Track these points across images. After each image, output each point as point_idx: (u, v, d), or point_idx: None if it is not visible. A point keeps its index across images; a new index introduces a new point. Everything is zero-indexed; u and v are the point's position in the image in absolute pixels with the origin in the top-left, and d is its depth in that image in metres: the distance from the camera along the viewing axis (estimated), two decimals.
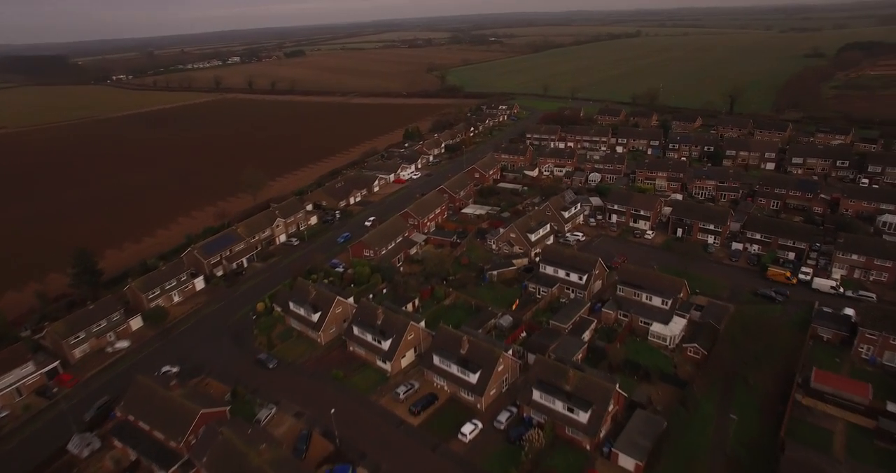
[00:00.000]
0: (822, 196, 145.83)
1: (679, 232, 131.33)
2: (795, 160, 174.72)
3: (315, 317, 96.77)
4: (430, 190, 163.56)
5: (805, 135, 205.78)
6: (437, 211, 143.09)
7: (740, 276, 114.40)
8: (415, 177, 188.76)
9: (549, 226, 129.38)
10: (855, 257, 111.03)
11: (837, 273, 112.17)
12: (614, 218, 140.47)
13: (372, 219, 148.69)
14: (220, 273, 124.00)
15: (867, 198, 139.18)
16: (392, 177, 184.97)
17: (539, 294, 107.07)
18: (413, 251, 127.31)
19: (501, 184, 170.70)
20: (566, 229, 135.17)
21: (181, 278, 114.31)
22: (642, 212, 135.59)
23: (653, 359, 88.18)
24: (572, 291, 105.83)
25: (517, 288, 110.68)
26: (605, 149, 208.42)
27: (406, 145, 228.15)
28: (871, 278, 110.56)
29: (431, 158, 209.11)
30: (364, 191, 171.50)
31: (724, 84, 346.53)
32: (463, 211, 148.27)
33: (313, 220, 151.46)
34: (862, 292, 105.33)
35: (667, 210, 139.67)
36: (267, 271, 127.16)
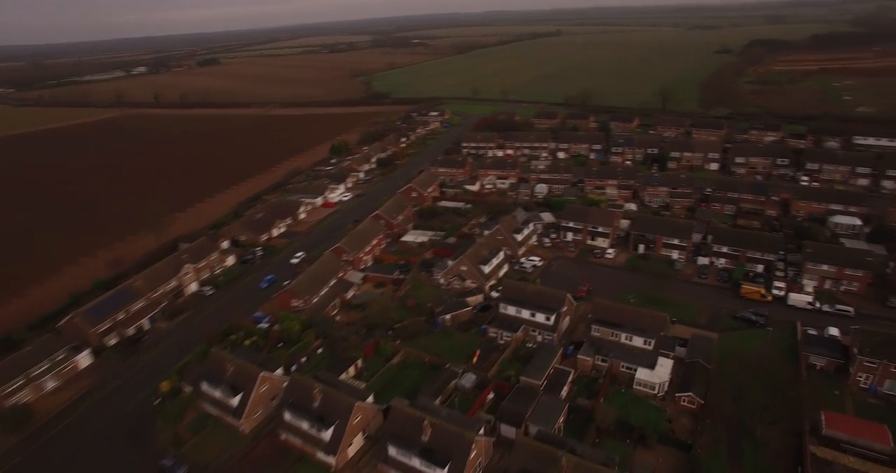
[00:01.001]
0: (774, 198, 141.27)
1: (641, 248, 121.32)
2: (739, 160, 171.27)
3: (235, 400, 77.35)
4: (363, 214, 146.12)
5: (739, 132, 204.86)
6: (374, 242, 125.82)
7: (713, 296, 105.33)
8: (345, 198, 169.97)
9: (502, 252, 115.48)
10: (825, 267, 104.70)
11: (809, 284, 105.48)
12: (570, 236, 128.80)
13: (300, 255, 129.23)
14: (113, 341, 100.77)
15: (817, 199, 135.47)
16: (320, 200, 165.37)
17: (501, 339, 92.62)
18: (350, 294, 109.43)
19: (442, 203, 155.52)
20: (520, 253, 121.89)
21: (57, 357, 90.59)
22: (600, 229, 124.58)
23: (644, 414, 75.78)
24: (539, 333, 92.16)
25: (475, 333, 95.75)
26: (546, 155, 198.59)
27: (333, 162, 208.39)
28: (843, 288, 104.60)
29: (362, 176, 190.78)
30: (289, 220, 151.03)
31: (651, 82, 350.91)
32: (403, 239, 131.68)
33: (230, 261, 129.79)
34: (839, 306, 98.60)
35: (624, 223, 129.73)
36: (175, 333, 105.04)
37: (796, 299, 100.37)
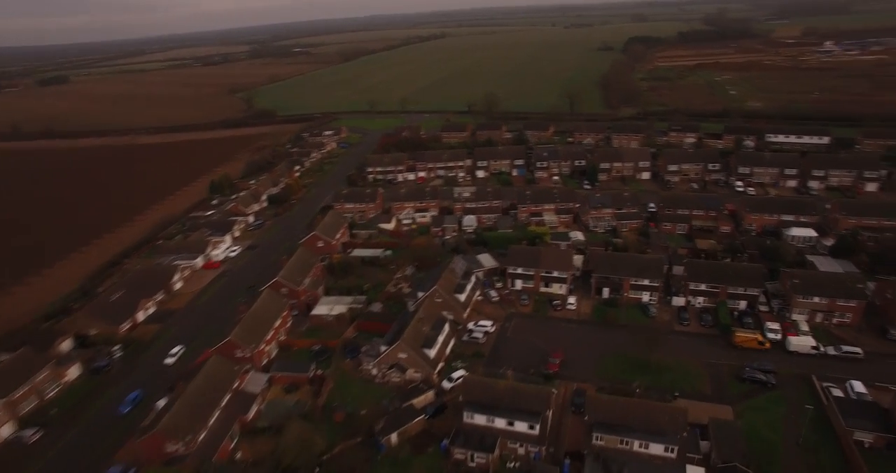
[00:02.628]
0: (725, 212, 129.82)
1: (605, 292, 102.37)
2: (671, 167, 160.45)
3: None
4: (258, 276, 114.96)
5: (659, 134, 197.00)
6: (277, 323, 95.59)
7: (703, 348, 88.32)
8: (233, 254, 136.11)
9: (447, 325, 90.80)
10: (816, 300, 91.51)
11: (801, 321, 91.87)
12: (519, 284, 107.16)
13: (177, 349, 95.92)
14: None
15: (769, 210, 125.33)
16: (200, 260, 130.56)
17: (472, 460, 67.96)
18: (252, 412, 79.03)
19: (356, 253, 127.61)
20: (464, 315, 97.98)
21: None
22: (556, 274, 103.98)
23: None
24: (520, 445, 68.63)
25: (434, 453, 70.30)
26: (463, 175, 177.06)
27: (214, 203, 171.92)
28: (835, 321, 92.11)
29: (252, 219, 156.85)
30: (160, 295, 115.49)
31: (550, 82, 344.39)
32: (315, 312, 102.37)
33: (73, 372, 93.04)
34: (846, 348, 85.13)
35: (577, 259, 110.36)
36: None
37: (798, 344, 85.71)
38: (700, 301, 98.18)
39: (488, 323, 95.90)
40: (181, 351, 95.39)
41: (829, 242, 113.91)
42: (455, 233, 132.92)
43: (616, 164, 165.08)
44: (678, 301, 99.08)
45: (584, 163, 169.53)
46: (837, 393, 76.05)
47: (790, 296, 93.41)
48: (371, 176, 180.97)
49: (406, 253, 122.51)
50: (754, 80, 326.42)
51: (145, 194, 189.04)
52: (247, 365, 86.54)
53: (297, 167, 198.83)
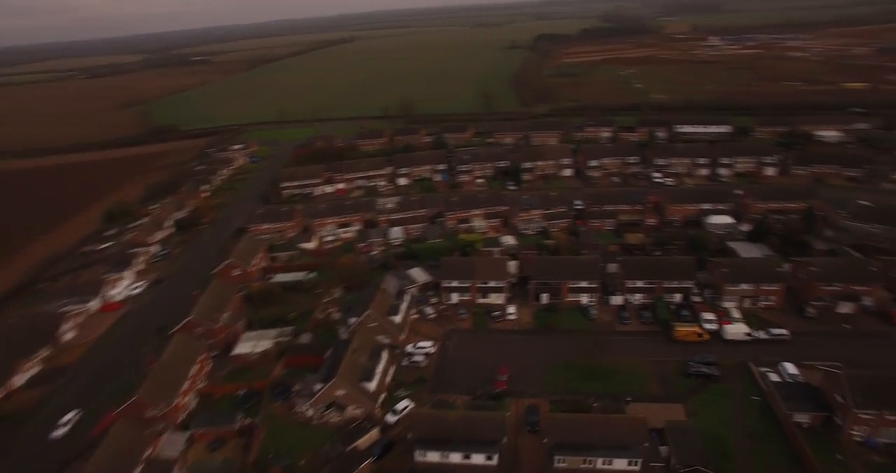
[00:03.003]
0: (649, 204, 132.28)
1: (544, 297, 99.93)
2: (592, 163, 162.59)
3: None
4: (166, 315, 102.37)
5: (575, 130, 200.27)
6: (194, 370, 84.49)
7: (646, 346, 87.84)
8: (136, 291, 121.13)
9: (384, 353, 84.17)
10: (744, 286, 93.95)
11: (733, 309, 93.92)
12: (455, 297, 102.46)
13: (71, 416, 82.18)
14: None
15: (689, 200, 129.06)
16: (96, 303, 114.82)
17: None
18: None
19: (277, 278, 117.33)
20: (402, 338, 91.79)
21: None
22: (493, 284, 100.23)
23: None
24: None
25: None
26: (384, 184, 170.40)
27: (110, 234, 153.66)
28: (761, 304, 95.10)
29: (156, 249, 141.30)
30: (45, 350, 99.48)
31: (463, 82, 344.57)
32: (236, 351, 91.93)
33: None
34: (773, 330, 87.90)
35: (511, 265, 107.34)
36: None
37: (733, 332, 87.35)
38: (638, 298, 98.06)
39: (428, 343, 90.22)
40: (75, 419, 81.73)
41: (746, 228, 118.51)
42: (382, 248, 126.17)
43: (538, 163, 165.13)
44: (616, 300, 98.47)
45: (506, 163, 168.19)
46: (774, 377, 77.76)
47: (720, 285, 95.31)
48: (286, 191, 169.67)
49: (332, 273, 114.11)
50: (655, 74, 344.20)
51: (22, 229, 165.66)
52: (160, 424, 75.13)
53: (205, 186, 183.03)
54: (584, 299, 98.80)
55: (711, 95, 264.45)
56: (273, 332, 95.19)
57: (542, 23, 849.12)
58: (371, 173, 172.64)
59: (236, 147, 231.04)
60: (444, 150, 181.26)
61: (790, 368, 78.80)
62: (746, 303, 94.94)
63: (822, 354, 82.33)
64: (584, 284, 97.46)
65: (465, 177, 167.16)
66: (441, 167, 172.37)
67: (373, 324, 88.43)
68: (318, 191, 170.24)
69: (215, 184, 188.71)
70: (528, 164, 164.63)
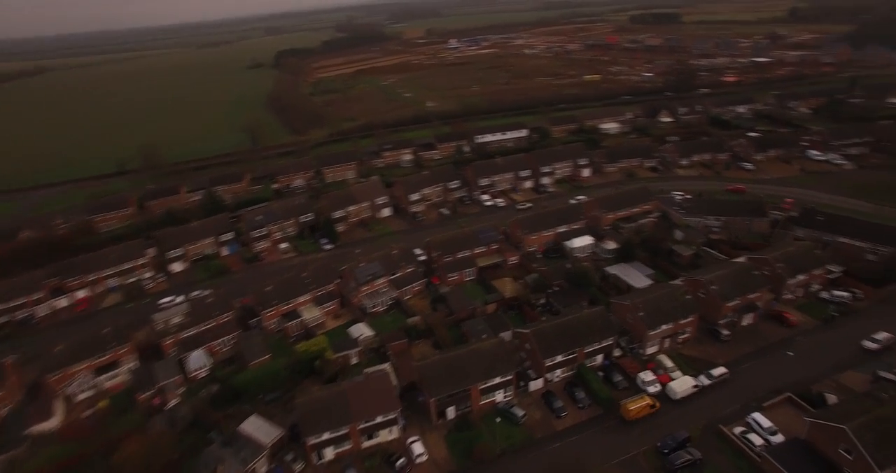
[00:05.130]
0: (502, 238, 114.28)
1: (450, 412, 72.80)
2: (412, 196, 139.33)
3: None
4: None
5: (371, 157, 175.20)
6: None
7: (599, 441, 68.46)
8: None
9: None
10: (664, 327, 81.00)
11: (664, 358, 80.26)
12: (330, 452, 68.68)
13: None
14: None
15: (543, 226, 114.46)
16: None
17: None
18: None
19: None
20: None
21: None
22: (380, 419, 69.00)
23: None
24: None
25: None
26: (150, 276, 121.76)
27: None
28: (679, 339, 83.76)
29: None
30: None
31: (214, 115, 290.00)
32: None
33: None
34: (713, 372, 76.32)
35: (384, 371, 77.34)
36: None
37: (681, 388, 73.12)
38: (558, 374, 77.86)
39: None
40: None
41: (610, 246, 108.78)
42: (181, 390, 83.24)
43: (351, 209, 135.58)
44: (537, 385, 76.79)
45: (311, 216, 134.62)
46: (755, 438, 65.06)
47: (640, 331, 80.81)
48: None
49: (107, 470, 68.39)
50: (416, 80, 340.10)
51: None
52: None
53: None
54: (499, 396, 74.78)
55: (481, 96, 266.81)
56: None
57: (276, 38, 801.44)
58: (126, 265, 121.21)
59: None
60: (225, 213, 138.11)
61: (762, 420, 67.13)
62: (666, 344, 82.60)
63: (767, 384, 73.90)
64: (497, 380, 73.14)
65: (263, 245, 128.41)
66: (227, 236, 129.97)
67: None
68: (44, 310, 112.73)
69: None
70: (338, 213, 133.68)
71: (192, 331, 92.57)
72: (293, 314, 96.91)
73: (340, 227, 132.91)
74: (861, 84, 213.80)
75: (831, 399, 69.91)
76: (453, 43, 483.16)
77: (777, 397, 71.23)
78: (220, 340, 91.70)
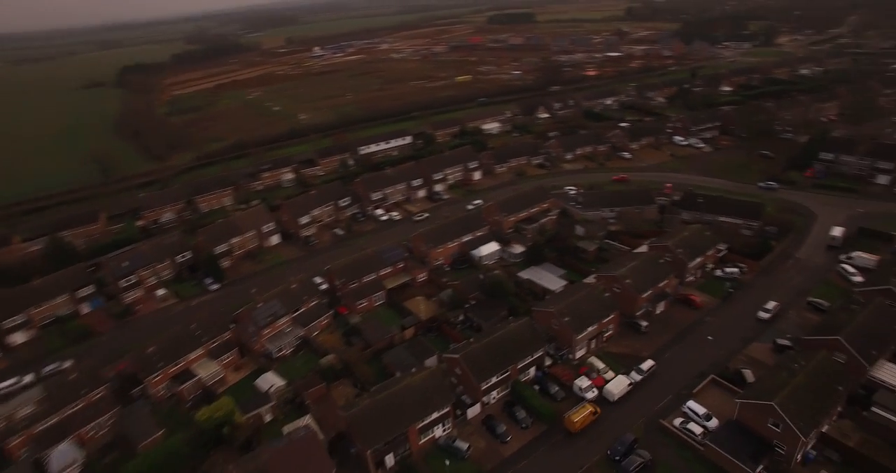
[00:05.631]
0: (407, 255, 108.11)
1: (389, 460, 65.50)
2: (302, 219, 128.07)
3: None
4: None
5: (248, 179, 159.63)
6: None
7: (550, 460, 65.26)
8: None
9: None
10: (590, 329, 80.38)
11: (595, 361, 79.48)
12: None
13: None
14: None
15: (447, 238, 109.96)
16: None
17: None
18: None
19: None
20: None
21: None
22: None
23: None
24: None
25: None
26: None
27: None
28: (604, 338, 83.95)
29: None
30: None
31: (48, 144, 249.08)
32: None
33: None
34: (641, 367, 77.15)
35: (309, 425, 68.07)
36: None
37: (618, 389, 72.74)
38: (494, 395, 73.74)
39: None
40: None
41: (517, 250, 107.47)
42: None
43: (235, 241, 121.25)
44: (474, 411, 72.02)
45: (189, 255, 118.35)
46: (695, 427, 66.11)
47: (567, 337, 79.32)
48: None
49: None
50: (283, 92, 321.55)
51: None
52: None
53: None
54: (439, 431, 68.94)
55: (356, 105, 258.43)
56: None
57: (113, 52, 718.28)
58: None
59: None
60: (80, 262, 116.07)
61: (697, 408, 68.52)
62: (593, 345, 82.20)
63: (692, 369, 76.28)
64: (434, 415, 67.15)
65: (134, 295, 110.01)
66: (86, 291, 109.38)
67: None
68: None
69: None
70: (221, 247, 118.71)
71: (52, 420, 75.01)
72: (186, 374, 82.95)
73: (226, 263, 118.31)
74: (699, 75, 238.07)
75: (748, 374, 73.46)
76: (318, 51, 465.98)
77: (703, 381, 73.42)
78: (92, 424, 75.34)
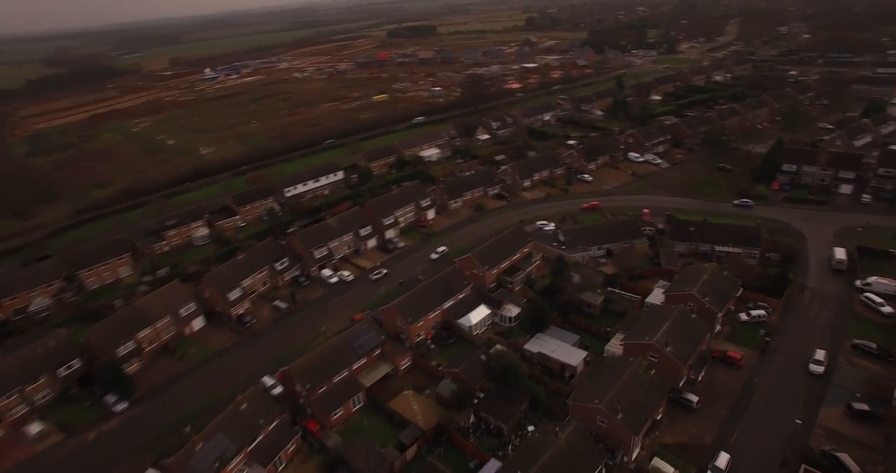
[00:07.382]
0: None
1: None
2: (231, 294, 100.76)
3: None
4: None
5: (149, 239, 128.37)
6: None
7: None
8: None
9: None
10: (647, 423, 63.39)
11: (644, 456, 62.61)
12: None
13: None
14: None
15: (425, 309, 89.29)
16: None
17: None
18: None
19: None
20: None
21: None
22: None
23: None
24: None
25: None
26: None
27: None
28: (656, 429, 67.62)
29: None
30: None
31: None
32: None
33: None
34: (717, 465, 61.23)
35: None
36: None
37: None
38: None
39: None
40: None
41: (512, 312, 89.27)
42: None
43: (144, 333, 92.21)
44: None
45: (79, 362, 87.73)
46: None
47: (624, 438, 61.85)
48: None
49: None
50: (175, 121, 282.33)
51: None
52: None
53: None
54: None
55: (265, 134, 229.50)
56: None
57: None
58: None
59: None
60: None
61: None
62: (647, 440, 65.46)
63: (773, 457, 61.38)
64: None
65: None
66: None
67: None
68: None
69: None
70: (125, 346, 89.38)
71: None
72: None
73: (133, 367, 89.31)
74: (624, 85, 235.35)
75: (847, 460, 60.12)
76: (209, 72, 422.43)
77: None
78: None
